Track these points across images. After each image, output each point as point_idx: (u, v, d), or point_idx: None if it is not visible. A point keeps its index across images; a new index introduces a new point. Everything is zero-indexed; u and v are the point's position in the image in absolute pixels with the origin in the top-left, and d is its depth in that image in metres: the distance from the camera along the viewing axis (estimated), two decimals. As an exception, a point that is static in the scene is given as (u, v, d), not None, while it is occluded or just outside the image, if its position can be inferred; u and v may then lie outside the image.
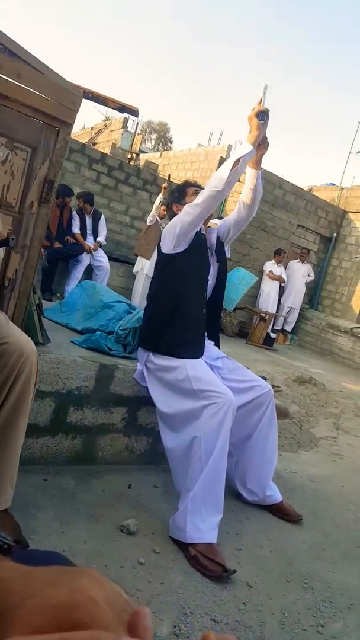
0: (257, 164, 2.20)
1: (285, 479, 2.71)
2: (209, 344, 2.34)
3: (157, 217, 6.35)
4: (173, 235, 2.10)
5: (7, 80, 1.82)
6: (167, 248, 2.15)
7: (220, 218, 2.60)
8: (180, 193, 2.35)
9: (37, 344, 1.92)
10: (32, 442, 2.03)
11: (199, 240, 2.18)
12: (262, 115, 1.98)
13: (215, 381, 2.03)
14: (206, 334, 2.29)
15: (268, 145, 2.16)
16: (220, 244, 2.36)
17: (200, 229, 2.18)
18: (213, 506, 1.87)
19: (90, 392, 2.17)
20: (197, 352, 2.15)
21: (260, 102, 2.01)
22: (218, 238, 2.35)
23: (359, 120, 10.67)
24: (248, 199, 2.26)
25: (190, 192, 2.30)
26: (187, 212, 2.05)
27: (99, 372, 2.18)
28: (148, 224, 6.51)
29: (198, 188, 2.28)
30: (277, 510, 2.28)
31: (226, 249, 2.44)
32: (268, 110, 2.00)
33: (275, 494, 2.29)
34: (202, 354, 2.17)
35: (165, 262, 2.20)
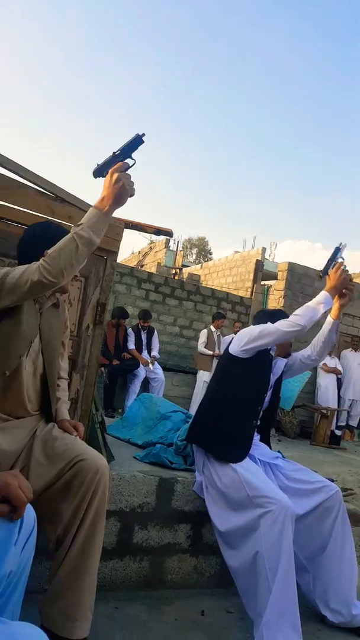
0: (338, 314, 2.29)
1: (374, 595, 2.42)
2: (262, 445, 2.32)
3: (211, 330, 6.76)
4: (247, 340, 2.15)
5: (60, 222, 2.10)
6: (234, 349, 2.21)
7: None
8: None
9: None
10: (100, 566, 1.96)
11: (263, 357, 2.22)
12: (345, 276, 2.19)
13: (268, 486, 1.96)
14: (259, 438, 2.31)
15: (350, 298, 2.25)
16: (282, 373, 2.40)
17: (270, 349, 2.25)
18: (290, 629, 1.71)
19: (152, 510, 2.14)
20: (239, 455, 2.11)
21: (337, 264, 2.23)
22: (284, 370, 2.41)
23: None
24: (321, 343, 2.33)
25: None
26: (270, 333, 2.11)
27: (159, 486, 2.16)
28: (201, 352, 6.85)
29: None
30: None
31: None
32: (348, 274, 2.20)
33: None
34: (245, 457, 2.12)
35: (227, 362, 2.25)
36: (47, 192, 2.10)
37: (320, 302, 2.16)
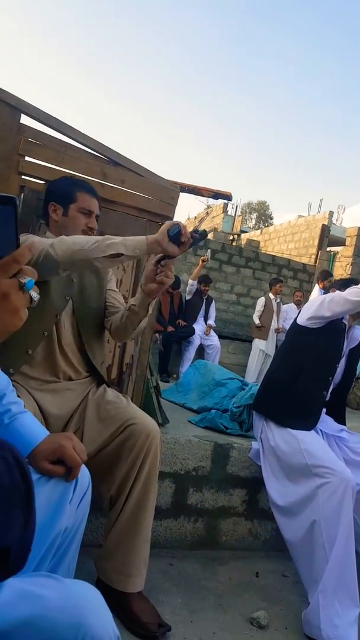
0: None
1: None
2: (327, 418, 2.25)
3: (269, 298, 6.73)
4: (314, 309, 2.08)
5: (113, 187, 2.07)
6: (302, 319, 2.15)
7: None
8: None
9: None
10: (156, 524, 2.04)
11: (335, 325, 2.12)
12: None
13: (329, 457, 1.91)
14: (333, 417, 2.24)
15: None
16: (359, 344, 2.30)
17: (342, 317, 2.14)
18: (347, 598, 1.69)
19: (207, 473, 2.16)
20: (307, 425, 2.07)
21: None
22: None
23: None
24: None
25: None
26: (338, 303, 1.99)
27: (214, 451, 2.17)
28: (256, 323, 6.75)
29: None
30: None
31: None
32: None
33: None
34: (313, 427, 2.08)
35: (295, 332, 2.20)
36: (100, 155, 2.08)
37: None
